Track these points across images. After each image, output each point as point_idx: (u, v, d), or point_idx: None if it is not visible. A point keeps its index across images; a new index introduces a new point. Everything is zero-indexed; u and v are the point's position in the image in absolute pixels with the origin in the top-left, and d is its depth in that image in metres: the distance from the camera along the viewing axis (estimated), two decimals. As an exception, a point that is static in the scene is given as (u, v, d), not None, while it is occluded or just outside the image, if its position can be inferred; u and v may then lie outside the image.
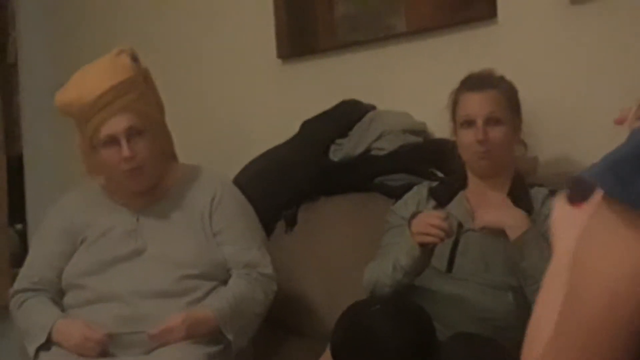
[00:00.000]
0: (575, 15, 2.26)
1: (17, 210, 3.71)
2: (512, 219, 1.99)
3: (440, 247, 2.00)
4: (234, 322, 2.20)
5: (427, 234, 1.96)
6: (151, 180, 2.31)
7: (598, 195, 0.82)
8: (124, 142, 2.21)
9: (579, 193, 0.90)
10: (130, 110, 2.22)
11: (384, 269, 2.06)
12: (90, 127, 2.23)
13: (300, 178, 2.56)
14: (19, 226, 3.79)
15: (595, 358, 0.77)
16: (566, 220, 0.92)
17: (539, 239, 1.94)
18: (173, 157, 2.46)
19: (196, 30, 3.09)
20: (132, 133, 2.22)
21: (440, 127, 2.34)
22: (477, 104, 2.08)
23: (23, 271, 2.40)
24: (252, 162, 2.67)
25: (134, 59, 2.29)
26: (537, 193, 2.08)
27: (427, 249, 1.99)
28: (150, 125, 2.27)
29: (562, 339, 0.80)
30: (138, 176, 2.27)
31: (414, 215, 2.04)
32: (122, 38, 3.19)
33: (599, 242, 0.77)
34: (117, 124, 2.20)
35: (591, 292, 0.77)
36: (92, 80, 2.23)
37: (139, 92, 2.26)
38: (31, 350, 2.23)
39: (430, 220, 1.96)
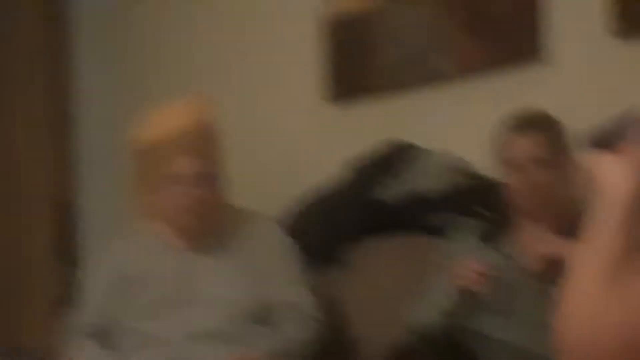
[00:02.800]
0: (619, 49, 2.26)
1: (66, 251, 3.76)
2: (563, 246, 1.95)
3: (497, 287, 1.98)
4: (284, 365, 2.22)
5: (468, 280, 1.95)
6: (209, 220, 2.37)
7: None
8: (192, 183, 2.28)
9: (611, 141, 1.05)
10: (201, 154, 2.31)
11: (428, 311, 2.05)
12: (160, 165, 2.31)
13: (346, 219, 2.57)
14: (67, 267, 3.84)
15: None
16: (610, 167, 1.02)
17: None
18: (225, 200, 2.51)
19: (245, 71, 3.13)
20: (200, 175, 2.30)
21: (485, 166, 2.34)
22: (522, 147, 2.07)
23: (76, 318, 2.44)
24: (299, 204, 2.69)
25: (209, 104, 2.41)
26: None
27: (468, 295, 1.97)
28: (215, 170, 2.37)
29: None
30: (199, 215, 2.33)
31: (456, 261, 2.04)
32: (173, 83, 3.26)
33: None
34: (187, 165, 2.29)
35: None
36: (169, 120, 2.33)
37: (210, 137, 2.36)
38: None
39: (471, 267, 1.96)
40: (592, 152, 1.09)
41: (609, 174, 1.01)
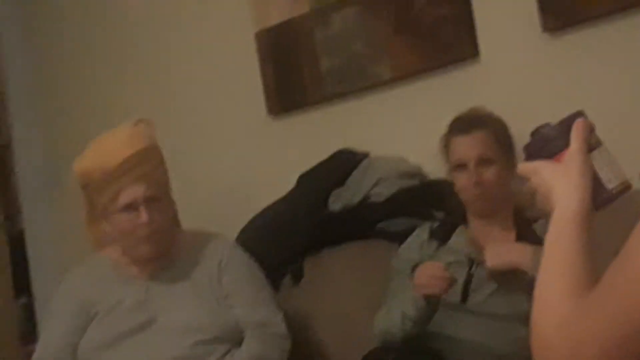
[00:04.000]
0: (550, 44, 2.31)
1: (22, 285, 3.72)
2: (521, 255, 1.98)
3: (455, 287, 2.01)
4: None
5: (430, 286, 1.97)
6: (165, 246, 2.36)
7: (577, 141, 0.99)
8: (142, 209, 2.27)
9: (551, 148, 1.04)
10: (149, 179, 2.30)
11: (393, 319, 2.07)
12: (108, 193, 2.29)
13: (301, 231, 2.58)
14: (23, 300, 3.80)
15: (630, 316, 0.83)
16: (555, 174, 1.00)
17: None
18: (177, 224, 2.50)
19: (185, 94, 3.11)
20: (150, 200, 2.28)
21: (435, 168, 2.37)
22: (467, 147, 2.11)
23: (38, 352, 2.41)
24: (252, 220, 2.69)
25: (152, 128, 2.39)
26: (541, 226, 2.08)
27: (432, 300, 2.00)
28: (165, 194, 2.36)
29: (606, 290, 0.86)
30: (154, 242, 2.31)
31: (414, 268, 2.06)
32: (114, 111, 3.23)
33: None
34: (137, 191, 2.27)
35: None
36: (113, 147, 2.31)
37: (156, 161, 2.35)
38: None
39: (431, 272, 1.98)
40: (531, 161, 1.07)
41: (555, 188, 0.99)
